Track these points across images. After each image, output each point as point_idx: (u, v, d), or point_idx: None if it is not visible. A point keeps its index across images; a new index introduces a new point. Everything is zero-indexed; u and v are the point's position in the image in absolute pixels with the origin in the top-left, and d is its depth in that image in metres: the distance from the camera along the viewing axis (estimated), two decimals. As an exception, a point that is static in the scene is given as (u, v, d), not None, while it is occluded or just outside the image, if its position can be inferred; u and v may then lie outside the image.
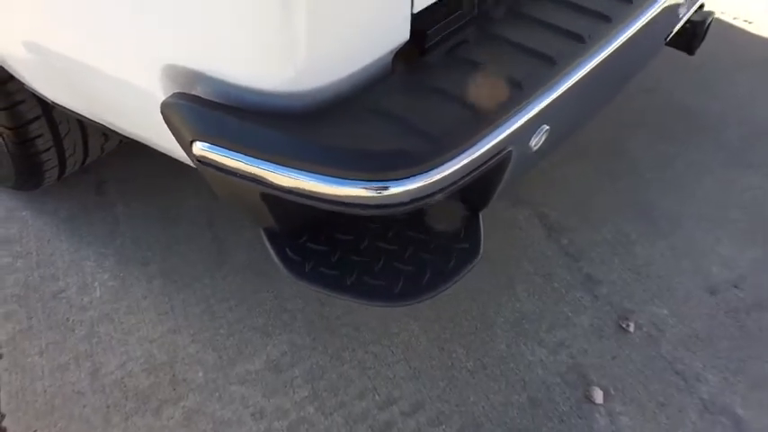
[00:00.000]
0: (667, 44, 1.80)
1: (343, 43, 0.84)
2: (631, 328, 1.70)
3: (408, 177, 0.78)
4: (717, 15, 2.90)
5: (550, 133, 1.04)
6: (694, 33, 1.77)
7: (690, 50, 1.82)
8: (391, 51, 0.91)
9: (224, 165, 0.86)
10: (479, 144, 0.84)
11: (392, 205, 0.80)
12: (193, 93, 0.90)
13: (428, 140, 0.80)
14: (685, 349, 1.67)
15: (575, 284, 1.83)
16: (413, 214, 1.04)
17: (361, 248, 0.99)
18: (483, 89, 0.90)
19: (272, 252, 0.99)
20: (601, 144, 2.29)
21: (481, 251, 0.99)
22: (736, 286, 1.82)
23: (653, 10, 1.12)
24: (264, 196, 0.89)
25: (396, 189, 0.77)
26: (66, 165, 1.82)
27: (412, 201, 0.80)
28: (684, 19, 1.55)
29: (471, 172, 0.86)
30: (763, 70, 2.65)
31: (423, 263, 0.98)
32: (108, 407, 1.53)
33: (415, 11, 0.89)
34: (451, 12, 0.97)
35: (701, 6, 1.82)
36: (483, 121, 0.86)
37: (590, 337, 1.70)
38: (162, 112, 0.91)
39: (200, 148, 0.86)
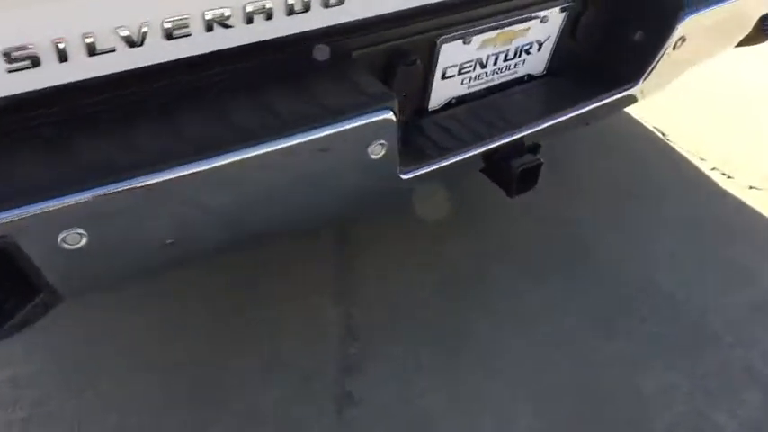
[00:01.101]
0: (484, 173, 1.70)
1: None
2: (343, 460, 1.61)
3: None
4: (694, 161, 2.66)
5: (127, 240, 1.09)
6: (509, 177, 1.66)
7: (507, 193, 1.71)
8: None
9: None
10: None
11: None
12: None
13: None
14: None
15: (331, 396, 1.76)
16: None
17: None
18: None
19: None
20: (460, 261, 2.17)
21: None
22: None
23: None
24: None
25: None
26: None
27: None
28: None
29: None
30: (709, 234, 2.36)
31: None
32: None
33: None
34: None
35: (535, 150, 1.71)
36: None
37: (305, 453, 1.64)
38: None
39: None
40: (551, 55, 1.75)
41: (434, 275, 2.11)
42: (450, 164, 1.51)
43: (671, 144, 2.79)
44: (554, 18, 1.64)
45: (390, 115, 1.23)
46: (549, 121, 1.66)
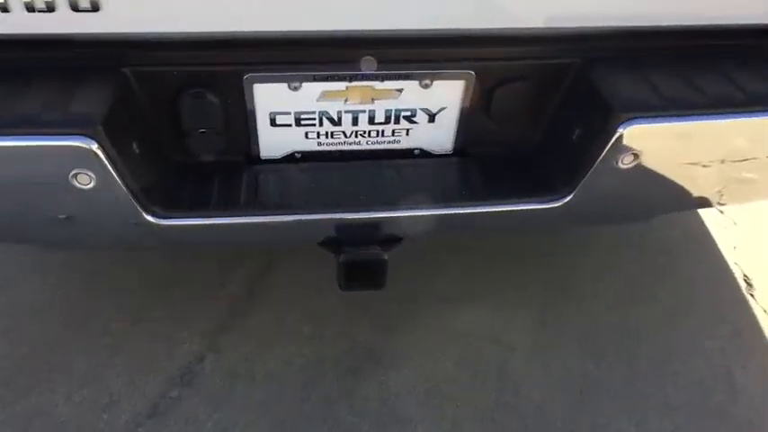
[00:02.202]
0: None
1: None
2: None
3: None
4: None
5: None
6: (337, 266, 1.32)
7: (338, 283, 1.35)
8: None
9: None
10: None
11: None
12: None
13: None
14: None
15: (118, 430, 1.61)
16: None
17: None
18: None
19: None
20: (359, 351, 1.82)
21: None
22: None
23: None
24: None
25: None
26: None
27: None
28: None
29: None
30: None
31: None
32: None
33: None
34: None
35: (389, 244, 1.34)
36: None
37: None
38: None
39: None
40: (457, 131, 1.35)
41: (321, 356, 1.80)
42: (232, 223, 1.24)
43: (750, 301, 2.02)
44: (444, 86, 1.25)
45: (88, 144, 1.04)
46: (409, 210, 1.29)
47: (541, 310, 1.94)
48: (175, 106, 1.21)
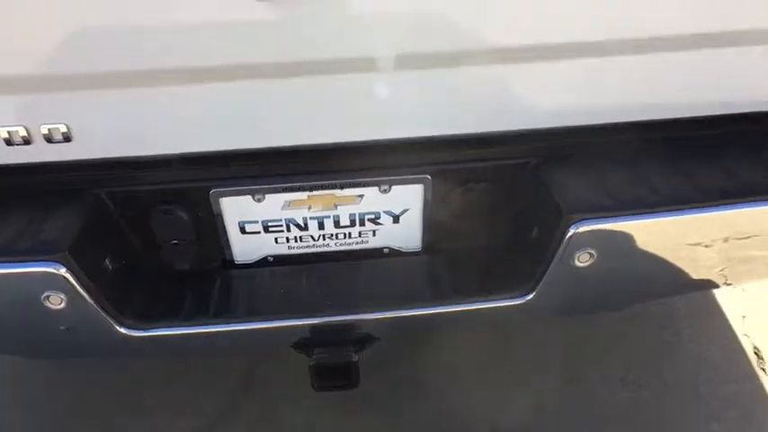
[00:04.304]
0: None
1: None
2: None
3: None
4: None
5: None
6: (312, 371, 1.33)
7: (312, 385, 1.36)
8: None
9: None
10: None
11: None
12: None
13: None
14: None
15: None
16: None
17: None
18: None
19: None
20: None
21: None
22: None
23: None
24: None
25: None
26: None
27: None
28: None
29: None
30: None
31: None
32: None
33: None
34: None
35: (362, 344, 1.35)
36: None
37: None
38: None
39: None
40: (423, 230, 1.38)
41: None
42: (207, 332, 1.28)
43: (761, 376, 1.93)
44: (403, 190, 1.29)
45: (56, 269, 1.11)
46: (377, 313, 1.31)
47: (539, 394, 1.90)
48: (148, 221, 1.28)
